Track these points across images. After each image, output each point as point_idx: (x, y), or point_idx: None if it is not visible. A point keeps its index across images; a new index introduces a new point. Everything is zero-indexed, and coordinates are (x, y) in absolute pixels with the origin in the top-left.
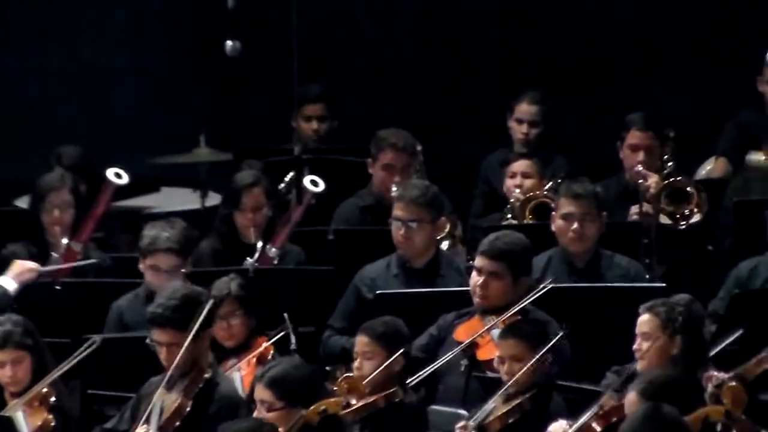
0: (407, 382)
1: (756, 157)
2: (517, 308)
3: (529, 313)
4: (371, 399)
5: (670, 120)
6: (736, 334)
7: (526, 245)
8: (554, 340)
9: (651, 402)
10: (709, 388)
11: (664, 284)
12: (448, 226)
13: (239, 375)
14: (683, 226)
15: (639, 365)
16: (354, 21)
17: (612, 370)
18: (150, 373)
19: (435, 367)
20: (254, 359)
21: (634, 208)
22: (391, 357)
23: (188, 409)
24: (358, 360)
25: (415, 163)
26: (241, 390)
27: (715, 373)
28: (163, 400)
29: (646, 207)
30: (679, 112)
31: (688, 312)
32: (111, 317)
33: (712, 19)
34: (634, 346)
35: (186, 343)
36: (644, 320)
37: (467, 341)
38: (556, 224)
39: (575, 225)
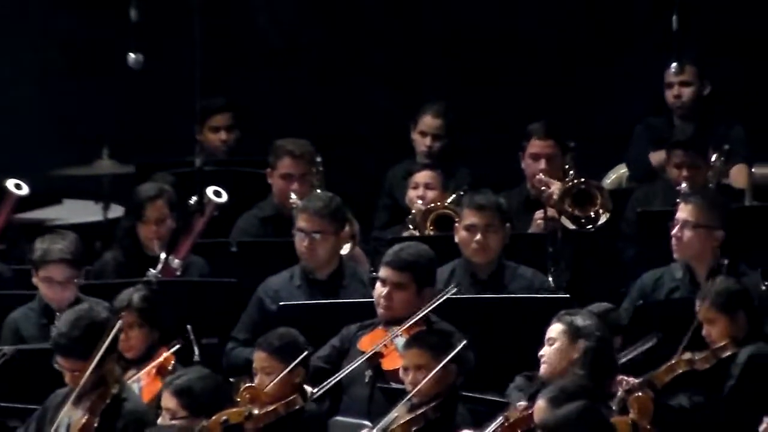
0: (312, 393)
1: (658, 156)
2: (420, 315)
3: (433, 324)
4: (271, 408)
5: (572, 129)
6: (650, 343)
7: (430, 256)
8: (457, 349)
9: (585, 401)
10: (619, 392)
11: (567, 295)
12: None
13: (138, 386)
14: (590, 229)
15: (541, 370)
16: (257, 31)
17: (522, 374)
18: (56, 385)
19: (339, 377)
20: (154, 370)
21: (539, 213)
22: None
23: (95, 425)
24: (258, 375)
25: (313, 171)
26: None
27: (626, 378)
28: (70, 416)
29: (551, 212)
30: (581, 121)
31: (593, 319)
32: (6, 330)
33: (615, 28)
34: (540, 352)
35: (90, 369)
36: (552, 327)
37: (371, 350)
38: (460, 235)
39: (478, 236)
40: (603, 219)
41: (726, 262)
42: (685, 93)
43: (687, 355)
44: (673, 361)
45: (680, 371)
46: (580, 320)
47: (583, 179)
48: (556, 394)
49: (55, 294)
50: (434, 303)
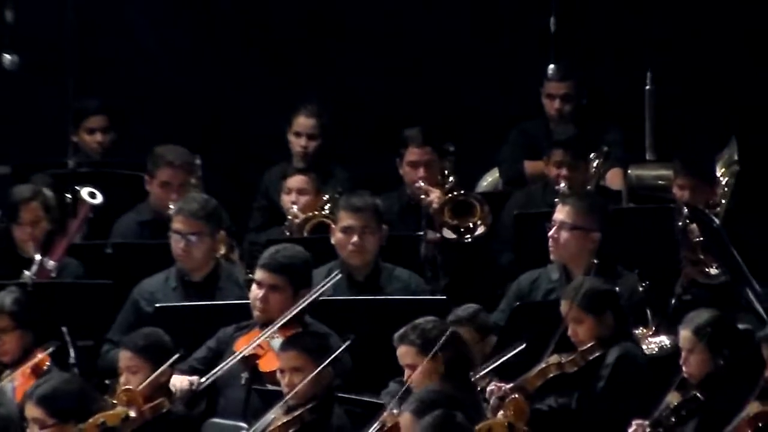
0: (197, 385)
1: (533, 165)
2: (296, 310)
3: (309, 326)
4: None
5: (451, 132)
6: (519, 348)
7: (305, 258)
8: (337, 352)
9: (443, 409)
10: (492, 399)
11: (444, 297)
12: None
13: (11, 386)
14: (468, 239)
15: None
16: (132, 32)
17: (395, 380)
18: None
19: (218, 372)
20: (29, 370)
21: (430, 234)
22: (156, 369)
23: None
24: (123, 375)
25: (192, 178)
26: (14, 401)
27: (498, 384)
28: None
29: (431, 235)
30: (458, 124)
31: (441, 327)
32: None
33: (495, 32)
34: (404, 378)
35: None
36: (402, 352)
37: (241, 351)
38: (336, 237)
39: (355, 238)
40: (480, 230)
41: (596, 262)
42: (565, 107)
43: (555, 358)
44: (543, 365)
45: (551, 375)
46: (432, 336)
47: (463, 191)
48: (417, 405)
49: None
50: (306, 300)
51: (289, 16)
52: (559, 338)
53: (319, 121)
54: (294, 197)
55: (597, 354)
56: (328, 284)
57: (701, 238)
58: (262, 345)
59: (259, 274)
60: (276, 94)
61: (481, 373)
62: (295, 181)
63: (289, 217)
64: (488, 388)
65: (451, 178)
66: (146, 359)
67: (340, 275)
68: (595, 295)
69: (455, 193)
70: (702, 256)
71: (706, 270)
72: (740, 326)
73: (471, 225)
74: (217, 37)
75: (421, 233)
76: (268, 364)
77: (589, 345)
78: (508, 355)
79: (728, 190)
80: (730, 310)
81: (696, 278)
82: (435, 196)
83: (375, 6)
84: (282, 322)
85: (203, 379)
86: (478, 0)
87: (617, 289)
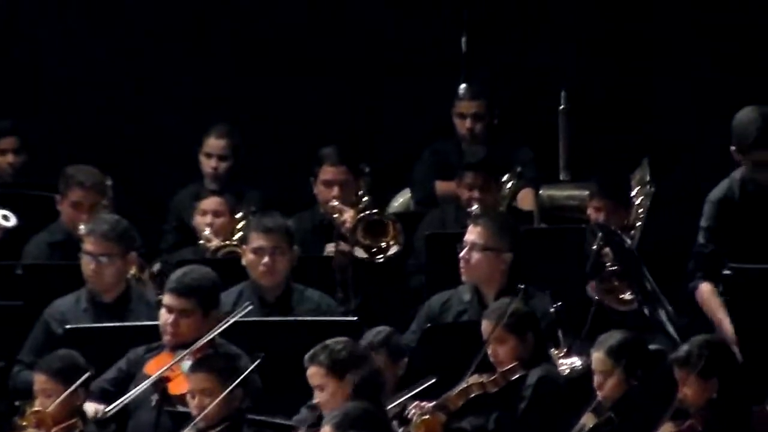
0: (105, 411)
1: (444, 186)
2: (205, 340)
3: (219, 347)
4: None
5: (365, 152)
6: (429, 383)
7: (213, 280)
8: (245, 373)
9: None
10: (415, 417)
11: (356, 318)
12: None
13: None
14: (381, 260)
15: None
16: (42, 52)
17: (306, 405)
18: None
19: (125, 400)
20: None
21: (330, 246)
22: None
23: None
24: (39, 398)
25: (103, 199)
26: None
27: (420, 403)
28: None
29: (342, 246)
30: (371, 144)
31: (350, 348)
32: None
33: (409, 51)
34: (314, 400)
35: None
36: (312, 373)
37: (156, 376)
38: (247, 258)
39: (266, 259)
40: (393, 251)
41: (522, 287)
42: (476, 127)
43: (476, 378)
44: (465, 385)
45: (473, 394)
46: (340, 356)
47: (376, 210)
48: (340, 420)
49: None
50: (219, 328)
51: (204, 37)
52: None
53: (229, 142)
54: (209, 219)
55: (518, 375)
56: (241, 313)
57: (615, 266)
58: (172, 367)
59: (167, 299)
60: (187, 114)
61: (391, 405)
62: (210, 203)
63: (202, 241)
64: (410, 407)
65: (365, 198)
66: (61, 382)
67: (251, 306)
68: (517, 316)
69: (368, 212)
70: (616, 283)
71: (621, 297)
72: (652, 347)
73: (383, 245)
74: (128, 57)
75: (333, 246)
76: (178, 386)
77: (510, 366)
78: (417, 390)
79: (643, 211)
80: (641, 331)
81: (611, 306)
82: (348, 215)
83: (286, 23)
84: (196, 347)
85: (109, 408)
86: (392, 18)
87: None
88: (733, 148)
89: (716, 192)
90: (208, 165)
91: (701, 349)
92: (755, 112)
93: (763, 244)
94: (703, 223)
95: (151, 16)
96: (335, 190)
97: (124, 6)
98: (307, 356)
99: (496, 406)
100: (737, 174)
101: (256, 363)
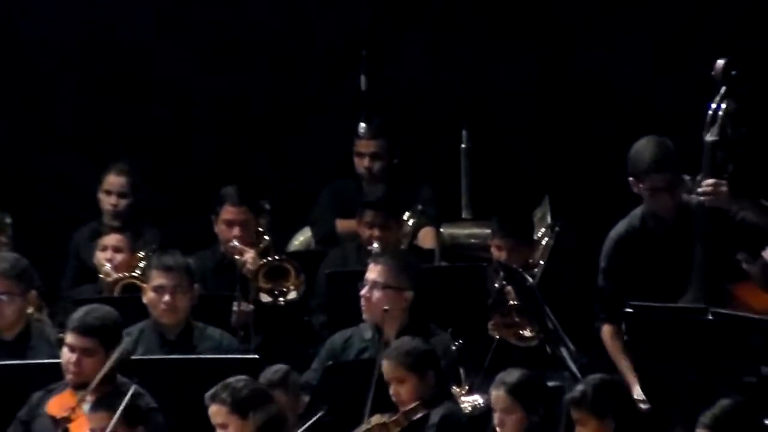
0: None
1: (345, 224)
2: (101, 375)
3: (121, 386)
4: None
5: (266, 190)
6: (318, 415)
7: (115, 318)
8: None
9: None
10: None
11: (257, 356)
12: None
13: None
14: (282, 302)
15: None
16: None
17: None
18: None
19: None
20: None
21: (244, 305)
22: None
23: None
24: None
25: (2, 237)
26: None
27: None
28: None
29: (244, 306)
30: (271, 182)
31: (252, 386)
32: None
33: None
34: None
35: None
36: (213, 411)
37: (59, 416)
38: (148, 296)
39: (167, 297)
40: (293, 295)
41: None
42: (375, 166)
43: (378, 418)
44: (367, 426)
45: None
46: (243, 394)
47: (278, 257)
48: None
49: None
50: (111, 363)
51: (99, 73)
52: (379, 398)
53: (129, 179)
54: (110, 254)
55: (420, 414)
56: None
57: (516, 302)
58: (74, 408)
59: (70, 338)
60: (86, 151)
61: None
62: (111, 239)
63: (101, 275)
64: None
65: (266, 237)
66: None
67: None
68: (417, 355)
69: (270, 258)
70: (517, 319)
71: (521, 332)
72: (550, 383)
73: (285, 289)
74: (25, 93)
75: (235, 295)
76: (80, 427)
77: (412, 405)
78: (309, 423)
79: (547, 249)
80: (538, 368)
81: (510, 341)
82: (249, 256)
83: (183, 62)
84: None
85: None
86: (291, 56)
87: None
88: (631, 178)
89: (617, 229)
90: (107, 202)
91: (595, 388)
92: (650, 140)
93: (664, 280)
94: (602, 263)
95: (49, 53)
96: (236, 230)
97: (20, 42)
98: (207, 395)
99: None
100: (638, 210)
101: (132, 389)
